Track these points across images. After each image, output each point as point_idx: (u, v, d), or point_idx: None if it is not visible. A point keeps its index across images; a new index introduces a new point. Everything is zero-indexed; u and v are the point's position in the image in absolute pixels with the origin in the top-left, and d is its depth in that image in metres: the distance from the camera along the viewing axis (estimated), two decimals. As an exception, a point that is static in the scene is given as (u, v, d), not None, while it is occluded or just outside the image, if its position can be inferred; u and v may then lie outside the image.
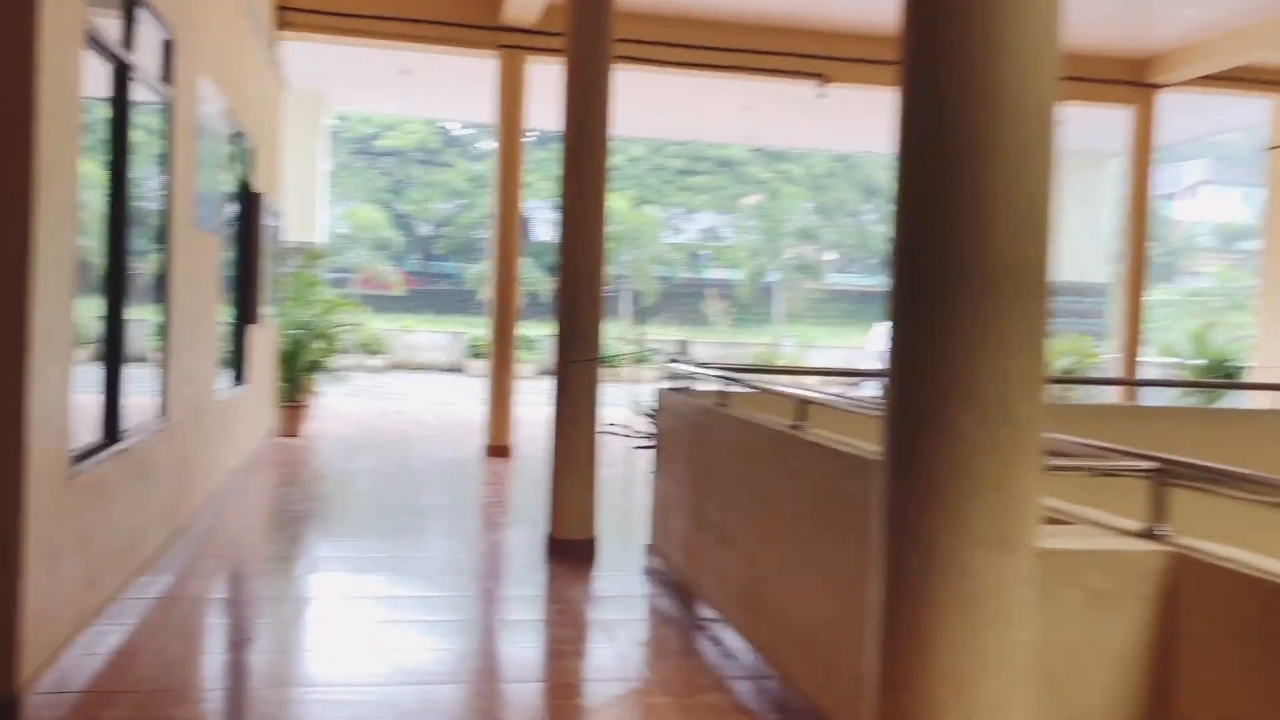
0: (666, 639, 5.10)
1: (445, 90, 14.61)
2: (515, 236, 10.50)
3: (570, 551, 6.31)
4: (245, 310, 8.87)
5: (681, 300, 39.32)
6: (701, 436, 5.39)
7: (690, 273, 40.63)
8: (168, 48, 5.38)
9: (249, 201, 8.85)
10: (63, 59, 3.65)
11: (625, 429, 7.44)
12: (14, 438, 3.41)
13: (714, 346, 29.23)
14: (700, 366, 5.62)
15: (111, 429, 4.63)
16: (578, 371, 6.29)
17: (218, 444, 7.41)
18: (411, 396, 19.54)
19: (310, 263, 12.59)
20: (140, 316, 5.25)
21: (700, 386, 5.95)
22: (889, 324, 2.44)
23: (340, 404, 14.21)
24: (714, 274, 43.79)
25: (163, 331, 5.48)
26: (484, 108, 14.68)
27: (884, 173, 47.97)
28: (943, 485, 2.22)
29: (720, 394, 5.26)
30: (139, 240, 5.15)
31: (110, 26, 4.40)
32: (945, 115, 2.23)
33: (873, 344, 22.82)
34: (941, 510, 2.22)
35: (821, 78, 11.16)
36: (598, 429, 6.43)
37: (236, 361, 8.75)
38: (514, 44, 10.34)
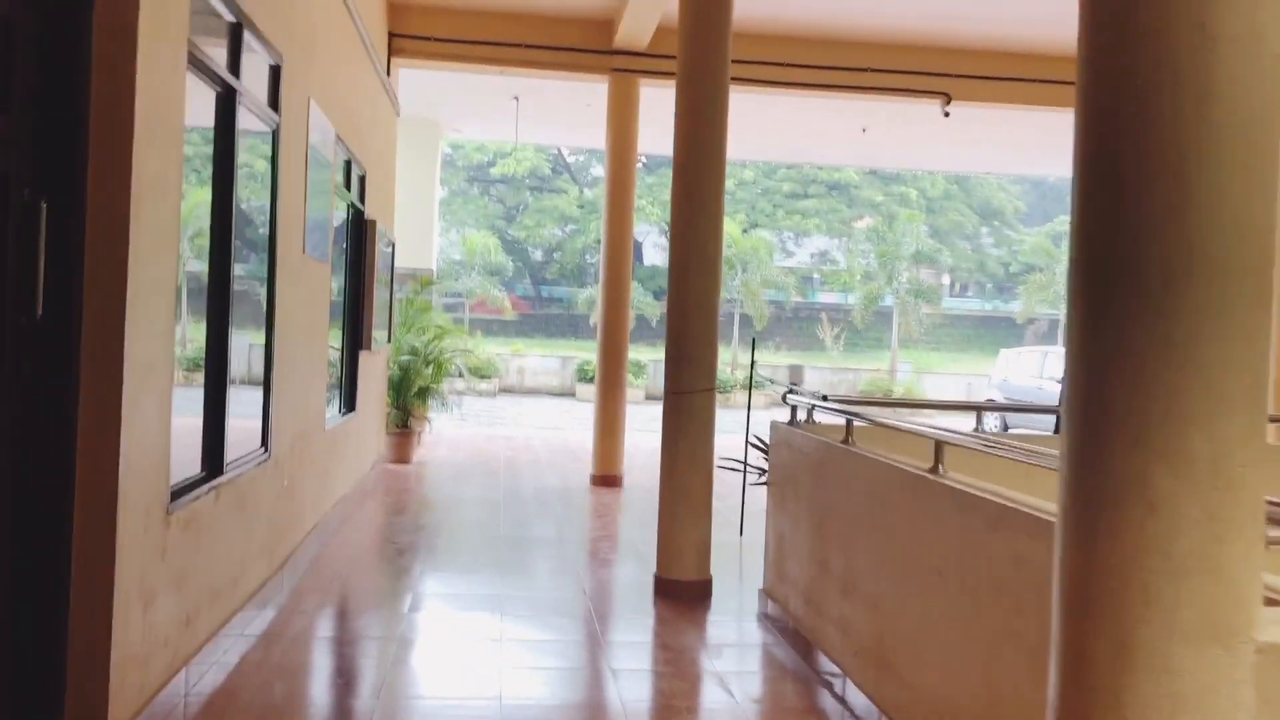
0: (784, 695, 4.73)
1: (556, 116, 14.58)
2: (626, 261, 10.30)
3: (681, 593, 6.00)
4: (356, 337, 8.85)
5: (792, 325, 38.78)
6: (823, 475, 5.03)
7: (801, 297, 40.00)
8: (276, 73, 5.31)
9: (361, 228, 8.85)
10: (163, 82, 3.54)
11: (741, 463, 7.10)
12: (106, 475, 3.28)
13: (826, 372, 28.60)
14: (820, 400, 5.25)
15: (214, 462, 4.51)
16: (690, 401, 5.99)
17: (325, 472, 7.34)
18: (521, 422, 19.54)
19: (422, 289, 12.64)
20: (247, 344, 5.16)
21: (818, 417, 5.60)
22: (1066, 358, 2.07)
23: (450, 429, 14.25)
24: (826, 298, 43.12)
25: (269, 358, 5.39)
26: (594, 133, 14.60)
27: (1002, 195, 46.60)
28: (1140, 564, 1.84)
29: (845, 428, 4.88)
30: (246, 267, 5.07)
31: (216, 52, 4.31)
32: (1145, 117, 1.86)
33: (999, 372, 21.89)
34: (1138, 595, 1.83)
35: (946, 96, 10.68)
36: (712, 463, 6.11)
37: (347, 388, 8.72)
38: (626, 67, 10.17)
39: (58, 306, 3.18)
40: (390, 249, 10.37)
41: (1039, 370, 20.77)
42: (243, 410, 5.01)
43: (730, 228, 27.95)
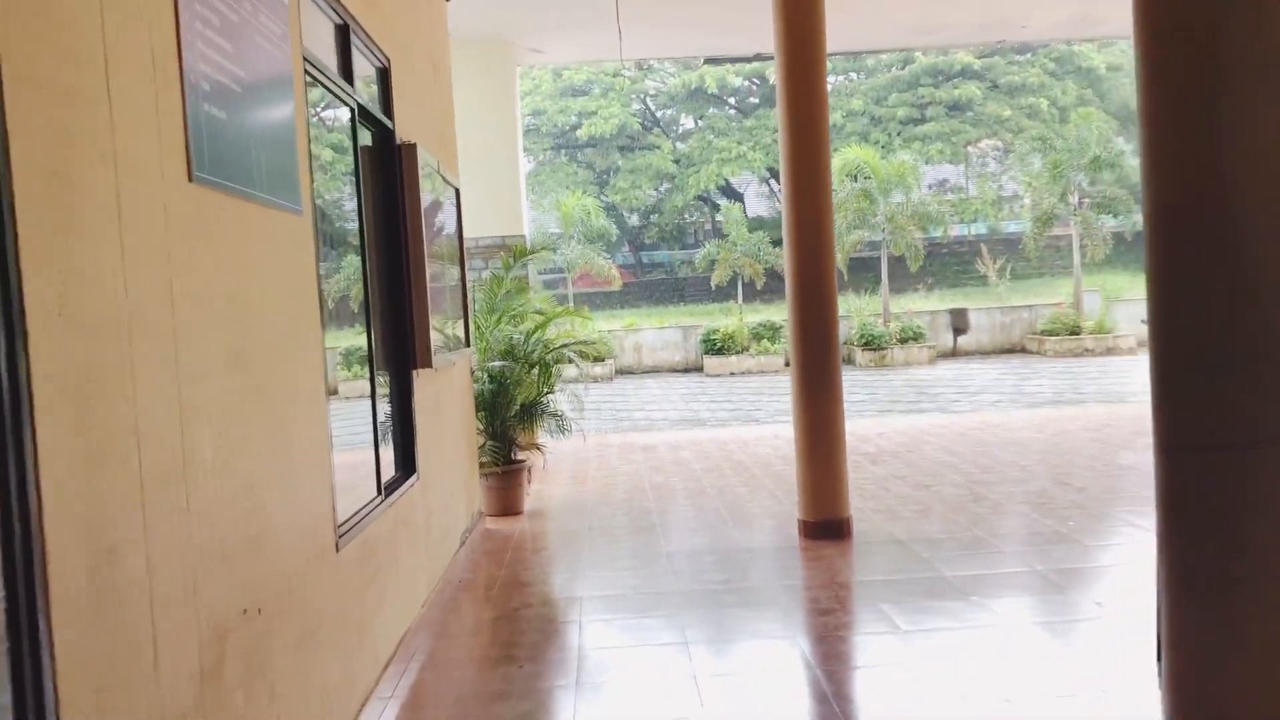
0: None
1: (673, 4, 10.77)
2: (824, 172, 6.40)
3: None
4: (404, 349, 5.22)
5: (935, 261, 34.18)
6: None
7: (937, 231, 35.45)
8: None
9: (389, 157, 5.17)
10: None
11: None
12: None
13: (995, 313, 24.18)
14: None
15: None
16: (1260, 478, 2.14)
17: (350, 627, 3.75)
18: (651, 413, 15.89)
19: (515, 261, 8.89)
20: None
21: None
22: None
23: (569, 444, 10.55)
24: (979, 229, 38.81)
25: (17, 440, 1.75)
26: (730, 31, 10.75)
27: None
28: None
29: None
30: None
31: None
32: None
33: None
34: None
35: None
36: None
37: (400, 440, 5.13)
38: None
39: None
40: (451, 202, 6.70)
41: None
42: None
43: (867, 154, 23.67)
